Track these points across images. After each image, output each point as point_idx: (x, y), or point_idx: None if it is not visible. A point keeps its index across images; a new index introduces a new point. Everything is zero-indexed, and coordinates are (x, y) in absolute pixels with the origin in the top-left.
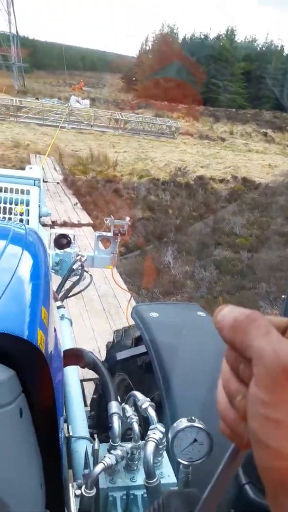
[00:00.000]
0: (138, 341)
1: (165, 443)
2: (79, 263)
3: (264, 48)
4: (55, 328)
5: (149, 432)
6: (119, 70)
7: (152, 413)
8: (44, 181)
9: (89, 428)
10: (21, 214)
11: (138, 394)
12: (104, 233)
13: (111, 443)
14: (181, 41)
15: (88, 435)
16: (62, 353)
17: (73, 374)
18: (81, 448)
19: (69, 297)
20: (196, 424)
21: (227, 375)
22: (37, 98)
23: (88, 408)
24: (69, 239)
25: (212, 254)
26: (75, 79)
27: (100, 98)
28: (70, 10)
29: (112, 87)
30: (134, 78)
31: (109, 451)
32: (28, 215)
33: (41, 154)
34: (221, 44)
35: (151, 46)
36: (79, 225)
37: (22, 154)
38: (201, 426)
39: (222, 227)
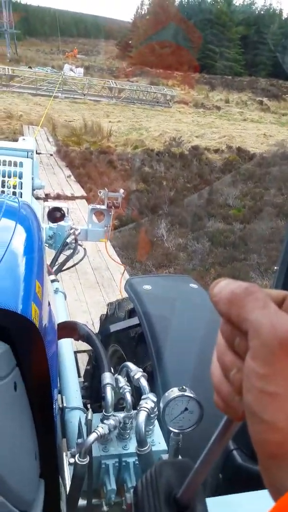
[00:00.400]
0: (131, 313)
1: (157, 412)
2: (72, 237)
3: (262, 12)
4: (49, 302)
5: (141, 402)
6: (114, 36)
7: (144, 383)
8: (37, 153)
9: (82, 398)
10: (14, 187)
11: (130, 365)
12: (98, 206)
13: (104, 413)
14: (177, 4)
15: (81, 406)
16: (56, 326)
17: (67, 347)
18: (75, 418)
19: (63, 270)
20: (187, 393)
21: (222, 348)
22: (30, 67)
23: (82, 379)
24: (62, 212)
25: (205, 226)
26: (69, 46)
27: (94, 66)
28: None
29: (107, 54)
30: (129, 44)
31: (102, 420)
32: (21, 188)
33: (34, 125)
34: (218, 7)
35: (147, 9)
36: (73, 198)
37: (15, 125)
38: (191, 395)
39: (215, 199)
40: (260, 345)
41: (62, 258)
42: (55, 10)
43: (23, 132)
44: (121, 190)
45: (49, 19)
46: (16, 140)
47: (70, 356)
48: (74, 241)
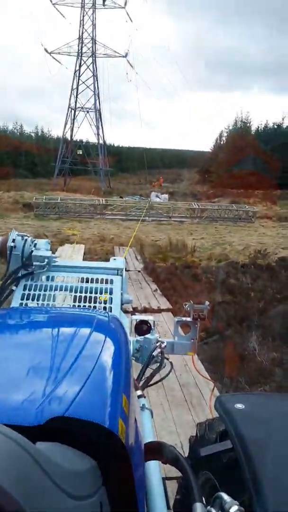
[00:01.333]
0: (223, 435)
1: None
2: (159, 350)
3: None
4: (135, 419)
5: None
6: (195, 165)
7: None
8: (126, 270)
9: None
10: (105, 302)
11: (225, 496)
12: (184, 318)
13: None
14: (254, 132)
15: None
16: (143, 446)
17: (155, 471)
18: None
19: (150, 385)
20: None
21: None
22: (121, 197)
23: (172, 511)
24: (149, 325)
25: None
26: (155, 177)
27: (178, 191)
28: (151, 120)
29: (189, 180)
30: (209, 170)
31: None
32: (111, 303)
33: (124, 246)
34: None
35: (225, 139)
36: (159, 310)
37: (107, 247)
38: None
39: None
40: None
41: (148, 372)
42: (143, 149)
43: (114, 253)
44: (207, 302)
45: (137, 156)
46: (108, 260)
47: (158, 482)
48: (160, 354)
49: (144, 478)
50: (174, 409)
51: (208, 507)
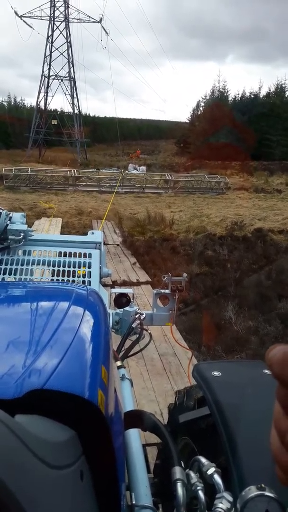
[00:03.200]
0: (201, 402)
1: None
2: (138, 321)
3: None
4: (115, 389)
5: (215, 501)
6: (173, 136)
7: (218, 480)
8: (104, 244)
9: (153, 496)
10: (84, 276)
11: (202, 459)
12: (162, 290)
13: None
14: (231, 102)
15: (151, 504)
16: (122, 415)
17: (135, 438)
18: None
19: (129, 356)
20: (267, 493)
21: (278, 414)
22: (98, 169)
23: (152, 475)
24: (128, 298)
25: (276, 307)
26: (132, 148)
27: (156, 163)
28: (128, 90)
29: (167, 152)
30: (187, 141)
31: None
32: (90, 277)
33: (101, 220)
34: (271, 101)
35: (202, 109)
36: (138, 283)
37: (85, 221)
38: (272, 495)
39: (284, 279)
40: None
41: (128, 343)
42: (119, 119)
43: (92, 226)
44: (184, 274)
45: (114, 126)
46: (86, 234)
47: (138, 449)
48: (139, 326)
49: (124, 446)
50: (153, 378)
51: (187, 470)
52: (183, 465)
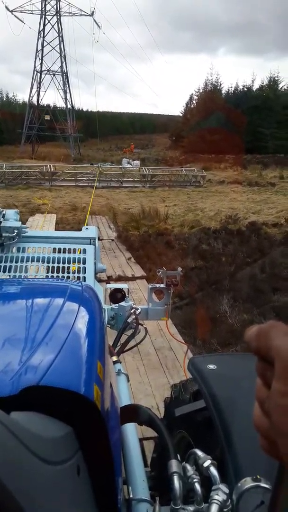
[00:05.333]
0: (196, 395)
1: (230, 506)
2: (133, 317)
3: None
4: (111, 384)
5: (212, 493)
6: (166, 129)
7: (214, 472)
8: (99, 239)
9: (150, 489)
10: (78, 271)
11: (198, 452)
12: (157, 285)
13: (173, 505)
14: (224, 95)
15: (148, 497)
16: (118, 410)
17: (131, 432)
18: (142, 511)
19: (125, 351)
20: (263, 484)
21: (258, 385)
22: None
23: (149, 469)
24: (123, 293)
25: (270, 300)
26: (126, 142)
27: (149, 157)
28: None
29: (161, 146)
30: (180, 135)
31: None
32: (84, 273)
33: (97, 215)
34: (264, 94)
35: (195, 103)
36: (133, 278)
37: (79, 216)
38: (268, 486)
39: (279, 272)
40: (282, 367)
41: (124, 338)
42: (112, 113)
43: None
44: (179, 268)
45: (108, 121)
46: (80, 229)
47: (134, 443)
48: (135, 320)
49: (120, 440)
50: (150, 372)
51: (183, 463)
52: (179, 458)
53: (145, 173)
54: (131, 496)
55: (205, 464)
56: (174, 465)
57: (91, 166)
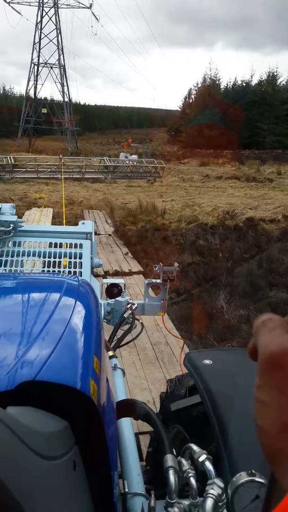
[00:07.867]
0: (192, 390)
1: (225, 500)
2: (129, 312)
3: None
4: (107, 379)
5: (207, 488)
6: (164, 124)
7: (209, 466)
8: (96, 234)
9: (145, 483)
10: (75, 266)
11: (194, 447)
12: (154, 280)
13: (168, 499)
14: (223, 90)
15: (144, 491)
16: (115, 405)
17: (127, 427)
18: (137, 505)
19: (121, 346)
20: (257, 478)
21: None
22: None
23: (144, 463)
24: (119, 288)
25: (267, 296)
26: (124, 137)
27: (147, 152)
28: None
29: (158, 140)
30: (179, 130)
31: (166, 508)
32: (81, 268)
33: (94, 209)
34: (262, 89)
35: (194, 98)
36: (130, 273)
37: (76, 211)
38: (262, 481)
39: (275, 268)
40: (259, 362)
41: (120, 333)
42: (110, 107)
43: (83, 216)
44: (176, 264)
45: (105, 115)
46: (77, 224)
47: (130, 438)
48: (131, 315)
49: (116, 435)
50: (146, 367)
51: (179, 457)
52: (175, 452)
53: (107, 164)
54: (126, 490)
55: (201, 459)
56: (169, 459)
57: (51, 157)
